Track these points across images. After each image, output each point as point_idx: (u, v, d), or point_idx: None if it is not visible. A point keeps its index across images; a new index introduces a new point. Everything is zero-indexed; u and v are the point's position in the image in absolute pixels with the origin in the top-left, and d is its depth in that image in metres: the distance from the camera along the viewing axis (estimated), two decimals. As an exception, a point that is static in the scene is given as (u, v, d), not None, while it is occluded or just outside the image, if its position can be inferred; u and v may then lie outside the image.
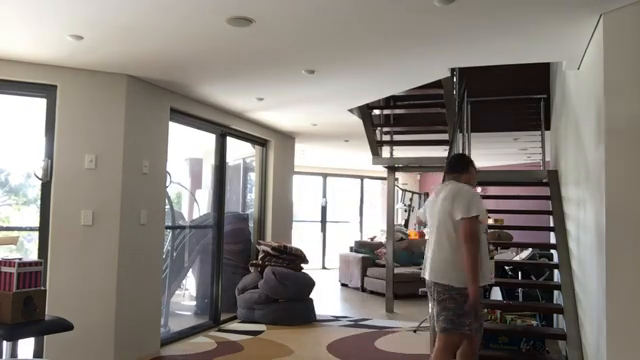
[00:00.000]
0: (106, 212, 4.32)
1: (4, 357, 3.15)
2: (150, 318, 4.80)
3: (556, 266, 4.70)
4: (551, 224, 5.06)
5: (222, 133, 6.25)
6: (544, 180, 5.51)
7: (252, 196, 7.58)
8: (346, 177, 12.94)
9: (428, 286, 3.44)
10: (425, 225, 3.79)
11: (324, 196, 12.70)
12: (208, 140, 6.26)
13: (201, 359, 4.76)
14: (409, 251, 9.61)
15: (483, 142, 7.16)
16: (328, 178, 12.73)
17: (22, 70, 4.11)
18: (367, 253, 9.34)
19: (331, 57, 3.97)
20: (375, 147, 7.06)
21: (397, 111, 7.40)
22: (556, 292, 5.29)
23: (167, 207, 5.34)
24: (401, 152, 7.52)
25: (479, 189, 8.44)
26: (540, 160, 6.62)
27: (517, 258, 5.80)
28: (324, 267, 12.34)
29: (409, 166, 7.65)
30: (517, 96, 6.58)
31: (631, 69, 2.83)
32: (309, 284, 6.57)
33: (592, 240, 3.25)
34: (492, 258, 3.42)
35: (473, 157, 6.45)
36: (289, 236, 7.87)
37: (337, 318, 6.69)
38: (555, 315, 5.35)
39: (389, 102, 6.95)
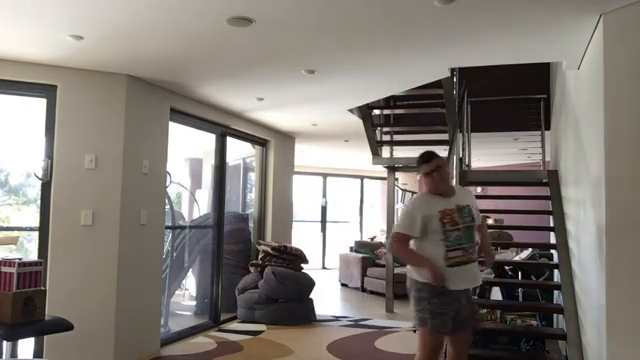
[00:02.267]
0: (106, 212, 4.32)
1: (4, 357, 3.15)
2: (150, 318, 4.80)
3: (556, 266, 4.70)
4: (551, 224, 5.06)
5: (222, 133, 6.25)
6: (544, 180, 5.51)
7: (252, 196, 7.58)
8: (346, 177, 12.94)
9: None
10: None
11: (324, 196, 12.70)
12: (208, 140, 6.26)
13: (201, 359, 4.76)
14: (409, 251, 9.59)
15: (483, 142, 7.16)
16: (328, 178, 12.73)
17: (22, 70, 4.11)
18: (367, 253, 9.34)
19: (331, 57, 3.97)
20: (375, 147, 7.06)
21: (397, 111, 7.40)
22: (556, 292, 5.29)
23: (167, 207, 5.34)
24: (401, 152, 7.53)
25: (479, 189, 8.46)
26: (540, 160, 6.62)
27: (517, 258, 5.79)
28: (324, 267, 12.34)
29: (409, 166, 7.65)
30: (517, 96, 6.58)
31: (631, 69, 2.83)
32: (309, 284, 6.57)
33: (592, 240, 3.25)
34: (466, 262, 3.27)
35: (473, 157, 6.53)
36: (289, 236, 7.87)
37: (337, 318, 6.69)
38: (555, 315, 5.35)
39: (389, 102, 6.96)
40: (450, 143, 5.11)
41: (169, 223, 5.91)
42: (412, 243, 3.24)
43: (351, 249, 9.89)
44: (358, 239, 10.90)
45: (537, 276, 5.54)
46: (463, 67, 5.41)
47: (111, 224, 4.33)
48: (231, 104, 5.72)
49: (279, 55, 3.92)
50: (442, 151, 6.96)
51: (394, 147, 7.35)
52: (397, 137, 7.55)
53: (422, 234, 3.17)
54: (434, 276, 3.04)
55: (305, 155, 10.07)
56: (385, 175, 7.56)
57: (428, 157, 3.24)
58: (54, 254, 4.18)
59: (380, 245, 9.47)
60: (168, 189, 5.21)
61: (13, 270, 3.01)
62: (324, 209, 12.66)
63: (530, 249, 5.66)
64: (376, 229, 12.05)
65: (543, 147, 6.51)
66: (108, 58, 4.01)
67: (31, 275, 3.10)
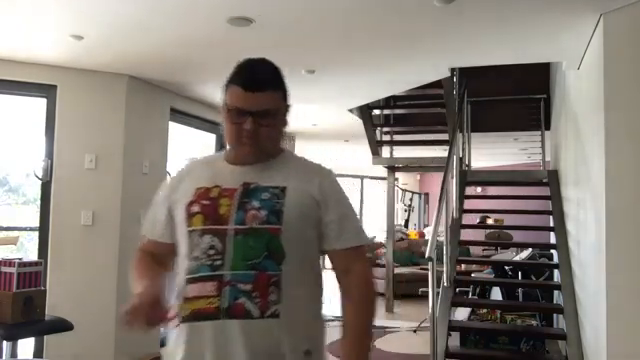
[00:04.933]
0: (106, 212, 4.32)
1: (4, 357, 3.15)
2: (150, 318, 4.79)
3: (556, 266, 4.70)
4: (551, 224, 5.06)
5: (222, 133, 6.24)
6: (544, 180, 5.51)
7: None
8: (346, 177, 12.93)
9: None
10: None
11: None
12: (208, 140, 6.25)
13: (201, 359, 4.75)
14: (409, 251, 9.62)
15: (483, 142, 7.16)
16: (328, 178, 12.70)
17: (22, 70, 4.11)
18: (367, 253, 9.32)
19: (331, 57, 3.97)
20: (375, 147, 7.06)
21: (397, 111, 7.40)
22: (556, 292, 5.29)
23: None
24: (401, 152, 7.53)
25: (479, 189, 8.45)
26: (540, 160, 6.62)
27: (517, 258, 5.80)
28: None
29: (409, 166, 7.66)
30: (517, 96, 6.58)
31: (631, 69, 2.83)
32: (309, 284, 6.56)
33: (592, 240, 3.25)
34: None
35: (473, 157, 6.54)
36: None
37: (337, 318, 6.67)
38: (555, 315, 5.35)
39: (389, 102, 6.96)
40: (450, 143, 5.11)
41: (169, 223, 5.90)
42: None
43: (351, 249, 9.87)
44: (358, 239, 10.88)
45: (537, 276, 5.54)
46: (463, 67, 5.41)
47: (111, 224, 4.33)
48: (231, 104, 5.71)
49: (279, 55, 3.89)
50: (442, 151, 7.02)
51: (394, 147, 7.35)
52: (397, 137, 7.55)
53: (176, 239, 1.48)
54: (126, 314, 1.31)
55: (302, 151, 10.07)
56: (385, 175, 7.56)
57: (254, 78, 1.42)
58: (54, 254, 4.18)
59: (380, 245, 9.47)
60: (168, 189, 5.20)
61: (13, 270, 3.01)
62: (324, 209, 12.63)
63: (530, 249, 5.66)
64: (376, 229, 12.05)
65: (543, 147, 6.51)
66: (108, 58, 4.01)
67: (31, 275, 3.10)
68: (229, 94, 1.44)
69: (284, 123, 1.50)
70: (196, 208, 1.41)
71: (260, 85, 1.41)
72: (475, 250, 8.82)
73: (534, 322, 4.77)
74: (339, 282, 1.54)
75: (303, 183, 1.44)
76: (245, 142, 1.43)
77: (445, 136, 6.52)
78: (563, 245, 4.64)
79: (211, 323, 1.30)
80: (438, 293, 4.25)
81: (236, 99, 1.41)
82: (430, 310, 3.65)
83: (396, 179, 7.82)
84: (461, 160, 5.71)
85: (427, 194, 12.84)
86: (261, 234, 1.35)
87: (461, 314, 5.03)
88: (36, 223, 4.22)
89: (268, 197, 1.39)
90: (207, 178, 1.47)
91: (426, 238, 10.05)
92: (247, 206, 1.38)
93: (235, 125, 1.44)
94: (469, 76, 5.95)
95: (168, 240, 1.51)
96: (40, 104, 4.26)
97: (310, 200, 1.42)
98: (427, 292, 3.76)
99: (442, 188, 4.31)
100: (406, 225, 11.69)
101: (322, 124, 6.95)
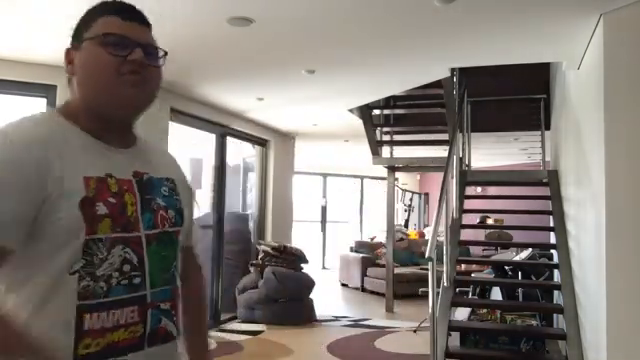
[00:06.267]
0: (106, 212, 4.31)
1: (4, 357, 3.15)
2: (150, 318, 4.79)
3: (556, 266, 4.70)
4: (551, 224, 5.06)
5: (222, 133, 6.25)
6: (544, 180, 5.51)
7: (252, 196, 7.58)
8: (346, 177, 12.94)
9: None
10: None
11: (324, 196, 12.71)
12: (209, 140, 6.26)
13: (201, 359, 4.75)
14: (409, 251, 9.62)
15: (483, 142, 7.16)
16: (328, 178, 12.73)
17: (22, 70, 4.11)
18: (367, 253, 9.35)
19: (331, 57, 3.97)
20: (375, 147, 7.06)
21: (397, 111, 7.41)
22: (556, 292, 5.29)
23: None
24: (401, 152, 7.53)
25: (479, 189, 8.43)
26: (540, 160, 6.62)
27: (517, 258, 5.80)
28: (324, 267, 12.34)
29: (409, 166, 7.66)
30: (517, 96, 6.58)
31: (631, 69, 2.83)
32: (309, 284, 6.57)
33: (592, 240, 3.25)
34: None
35: (473, 157, 6.55)
36: (289, 236, 7.86)
37: (337, 318, 6.69)
38: (555, 315, 5.35)
39: (389, 102, 6.96)
40: (450, 143, 5.11)
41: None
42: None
43: (351, 249, 9.89)
44: (358, 239, 10.91)
45: (537, 276, 5.54)
46: (463, 67, 5.41)
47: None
48: (231, 104, 5.72)
49: (279, 55, 3.92)
50: (442, 151, 7.02)
51: (394, 147, 7.36)
52: (397, 137, 7.56)
53: (26, 239, 0.96)
54: None
55: (301, 150, 10.08)
56: (385, 175, 7.56)
57: (133, 8, 1.13)
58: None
59: (380, 245, 9.49)
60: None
61: (13, 270, 3.01)
62: (324, 209, 12.66)
63: (530, 249, 5.66)
64: (376, 229, 12.06)
65: (543, 147, 6.51)
66: (108, 58, 4.01)
67: (31, 275, 3.09)
68: (101, 26, 1.09)
69: (161, 79, 1.18)
70: (102, 209, 0.99)
71: (141, 17, 1.09)
72: (475, 250, 8.83)
73: (534, 322, 4.77)
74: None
75: (178, 172, 1.23)
76: (129, 82, 1.05)
77: (445, 136, 6.52)
78: (563, 245, 4.64)
79: (133, 356, 1.01)
80: (438, 293, 4.25)
81: (117, 28, 1.06)
82: (430, 310, 3.65)
83: (396, 179, 7.83)
84: (461, 160, 5.71)
85: (427, 194, 12.85)
86: (172, 239, 1.11)
87: (461, 314, 5.03)
88: (36, 223, 4.21)
89: (167, 192, 1.13)
90: (88, 162, 1.03)
91: (426, 238, 10.06)
92: (152, 204, 1.09)
93: (115, 58, 1.03)
94: (469, 76, 5.95)
95: (13, 246, 0.95)
96: (40, 104, 4.25)
97: (190, 192, 1.23)
98: (427, 292, 3.76)
99: (442, 188, 4.31)
100: (406, 225, 11.70)
101: (322, 124, 6.95)
